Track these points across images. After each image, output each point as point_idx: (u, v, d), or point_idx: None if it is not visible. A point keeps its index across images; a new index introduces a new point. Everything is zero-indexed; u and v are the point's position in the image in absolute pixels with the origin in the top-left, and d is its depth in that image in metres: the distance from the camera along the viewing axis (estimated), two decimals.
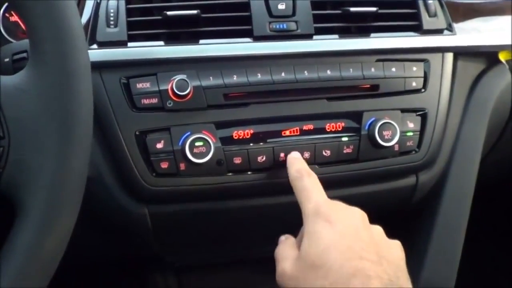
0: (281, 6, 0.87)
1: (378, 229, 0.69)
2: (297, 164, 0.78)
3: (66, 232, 0.60)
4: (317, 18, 0.88)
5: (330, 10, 0.91)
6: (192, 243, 1.08)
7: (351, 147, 0.87)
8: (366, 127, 0.87)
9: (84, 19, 0.83)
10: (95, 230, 0.92)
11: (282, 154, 0.84)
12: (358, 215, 0.69)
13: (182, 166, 0.81)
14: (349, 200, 0.90)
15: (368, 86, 0.88)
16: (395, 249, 0.67)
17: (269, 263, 0.72)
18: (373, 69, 0.88)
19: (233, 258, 1.24)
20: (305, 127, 0.86)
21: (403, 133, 0.88)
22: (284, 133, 0.85)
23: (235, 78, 0.83)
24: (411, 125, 0.90)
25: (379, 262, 0.62)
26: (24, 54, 0.75)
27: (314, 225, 0.66)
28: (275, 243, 0.74)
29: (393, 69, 0.89)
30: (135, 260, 1.26)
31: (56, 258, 0.60)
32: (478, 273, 1.41)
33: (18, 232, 0.58)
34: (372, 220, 0.69)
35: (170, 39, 0.85)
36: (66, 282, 0.89)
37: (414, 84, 0.90)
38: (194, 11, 0.83)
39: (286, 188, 0.82)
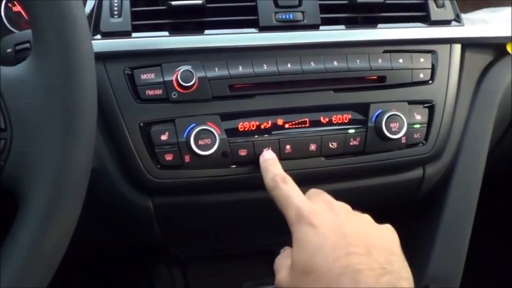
0: None
1: (365, 218, 0.68)
2: (271, 171, 0.76)
3: (69, 225, 0.60)
4: (323, 9, 0.87)
5: (337, 0, 0.90)
6: (197, 235, 1.08)
7: (358, 139, 0.86)
8: (373, 119, 0.86)
9: (88, 9, 0.83)
10: (99, 221, 0.92)
11: (288, 146, 0.83)
12: (340, 210, 0.68)
13: (187, 158, 0.80)
14: (355, 193, 0.89)
15: (375, 77, 0.88)
16: (386, 233, 0.66)
17: (273, 255, 0.72)
18: (380, 61, 0.87)
19: (238, 250, 1.24)
20: (311, 119, 0.85)
21: (410, 125, 0.87)
22: (290, 125, 0.84)
23: (240, 69, 0.82)
24: (418, 117, 0.89)
25: (368, 253, 0.61)
26: (27, 45, 0.75)
27: (299, 232, 0.66)
28: (279, 235, 0.74)
29: (401, 61, 0.88)
30: (140, 252, 1.26)
31: (59, 251, 0.60)
32: (484, 266, 1.41)
33: (20, 226, 0.57)
34: (378, 217, 0.68)
35: (175, 30, 0.84)
36: (70, 272, 0.89)
37: (421, 75, 0.90)
38: (199, 1, 0.82)
39: None
